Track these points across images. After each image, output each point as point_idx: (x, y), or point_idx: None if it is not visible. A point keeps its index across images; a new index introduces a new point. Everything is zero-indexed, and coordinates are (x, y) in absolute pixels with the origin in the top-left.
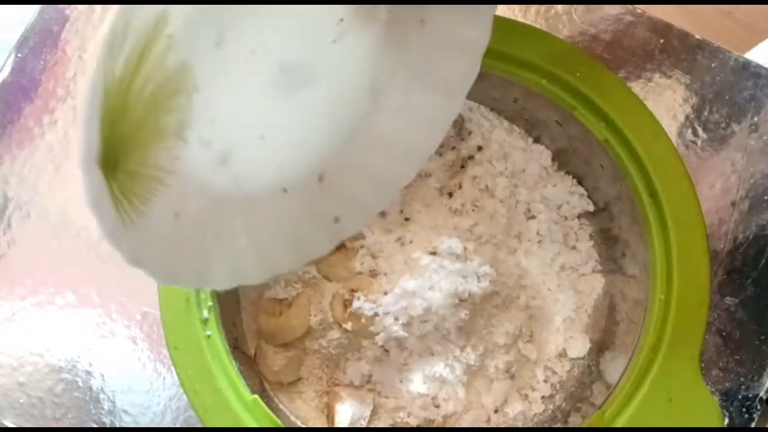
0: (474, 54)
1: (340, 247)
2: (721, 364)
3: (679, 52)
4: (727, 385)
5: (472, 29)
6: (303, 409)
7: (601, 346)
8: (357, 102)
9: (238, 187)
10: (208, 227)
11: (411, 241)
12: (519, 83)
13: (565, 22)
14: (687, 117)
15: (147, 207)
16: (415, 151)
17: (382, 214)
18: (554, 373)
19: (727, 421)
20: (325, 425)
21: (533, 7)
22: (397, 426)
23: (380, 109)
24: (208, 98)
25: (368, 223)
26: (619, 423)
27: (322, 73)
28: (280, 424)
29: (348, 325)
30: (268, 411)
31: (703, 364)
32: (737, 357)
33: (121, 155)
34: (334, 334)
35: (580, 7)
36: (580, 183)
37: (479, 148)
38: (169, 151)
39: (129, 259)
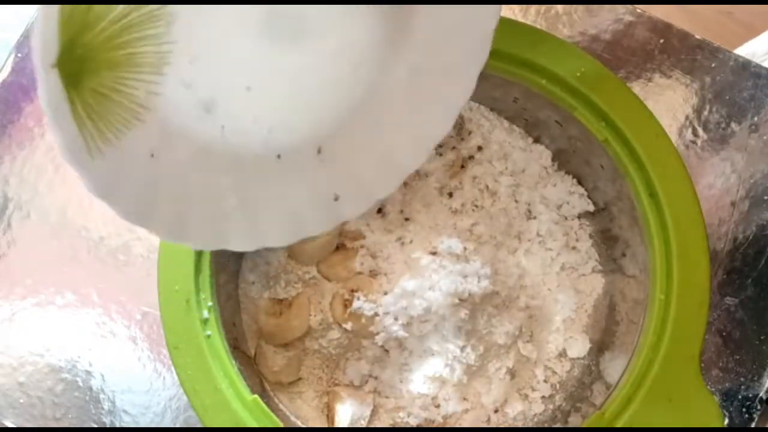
0: (484, 35)
1: (340, 246)
2: (721, 364)
3: (679, 52)
4: (727, 385)
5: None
6: (303, 409)
7: (601, 346)
8: (358, 73)
9: (225, 141)
10: (191, 178)
11: (411, 241)
12: (519, 83)
13: (565, 22)
14: (687, 117)
15: (119, 139)
16: (423, 136)
17: (382, 214)
18: (554, 373)
19: (727, 421)
20: (325, 425)
21: (533, 7)
22: (397, 426)
23: (387, 86)
24: (189, 35)
25: (370, 208)
26: (619, 423)
27: (314, 30)
28: (280, 424)
29: (348, 325)
30: (268, 411)
31: (703, 364)
32: (737, 357)
33: (86, 70)
34: (334, 334)
35: (580, 7)
36: (580, 183)
37: (479, 148)
38: (145, 83)
39: (92, 188)
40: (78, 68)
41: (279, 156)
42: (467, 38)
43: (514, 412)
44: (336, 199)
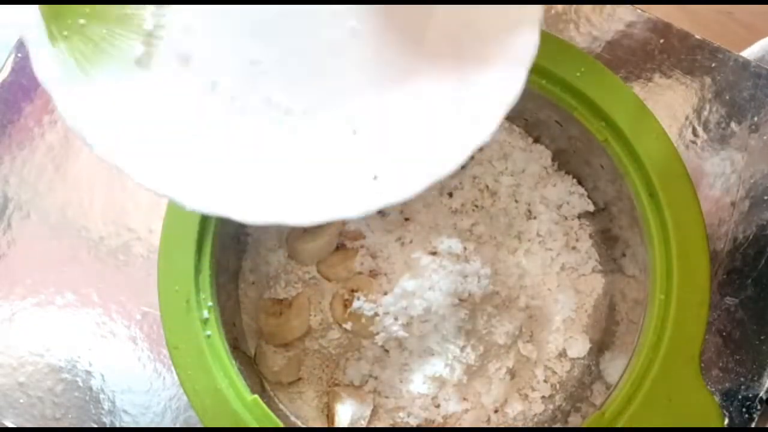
0: (532, 24)
1: (340, 246)
2: (721, 364)
3: (679, 52)
4: (727, 385)
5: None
6: (303, 409)
7: (601, 346)
8: (392, 56)
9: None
10: (194, 132)
11: (411, 241)
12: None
13: (565, 22)
14: (687, 117)
15: (95, 69)
16: (466, 131)
17: (382, 214)
18: (554, 373)
19: (727, 421)
20: (325, 425)
21: None
22: (397, 426)
23: (426, 75)
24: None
25: (418, 193)
26: (619, 423)
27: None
28: (280, 424)
29: (348, 325)
30: (268, 411)
31: (703, 364)
32: (737, 357)
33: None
34: (334, 334)
35: (580, 8)
36: (580, 183)
37: (479, 148)
38: (138, 44)
39: (65, 112)
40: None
41: (306, 135)
42: (519, 33)
43: (514, 412)
44: (375, 178)
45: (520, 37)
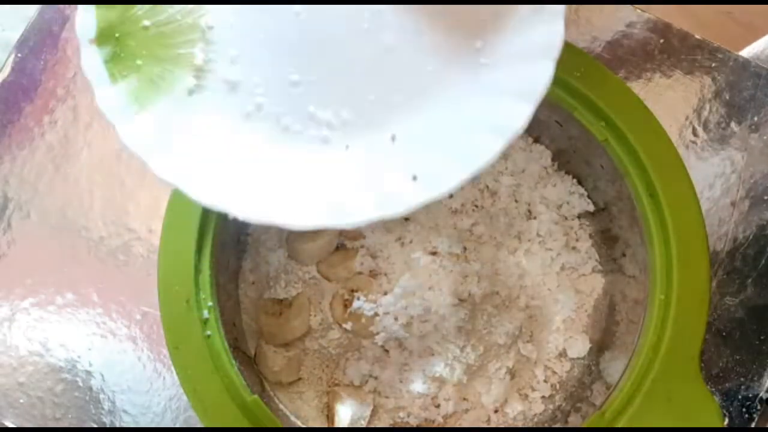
0: (556, 17)
1: (340, 246)
2: (721, 364)
3: (679, 52)
4: (727, 385)
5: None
6: (303, 409)
7: (601, 346)
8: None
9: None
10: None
11: (411, 241)
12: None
13: (565, 22)
14: (687, 117)
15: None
16: (497, 128)
17: None
18: (554, 373)
19: (727, 421)
20: (325, 425)
21: None
22: (397, 426)
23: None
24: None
25: (457, 188)
26: (619, 423)
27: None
28: (280, 424)
29: (348, 325)
30: (268, 411)
31: (703, 364)
32: (737, 357)
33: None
34: (334, 334)
35: (580, 7)
36: (580, 183)
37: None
38: (189, 78)
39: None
40: (117, 49)
41: (347, 146)
42: (545, 26)
43: (514, 412)
44: (414, 179)
45: (545, 29)
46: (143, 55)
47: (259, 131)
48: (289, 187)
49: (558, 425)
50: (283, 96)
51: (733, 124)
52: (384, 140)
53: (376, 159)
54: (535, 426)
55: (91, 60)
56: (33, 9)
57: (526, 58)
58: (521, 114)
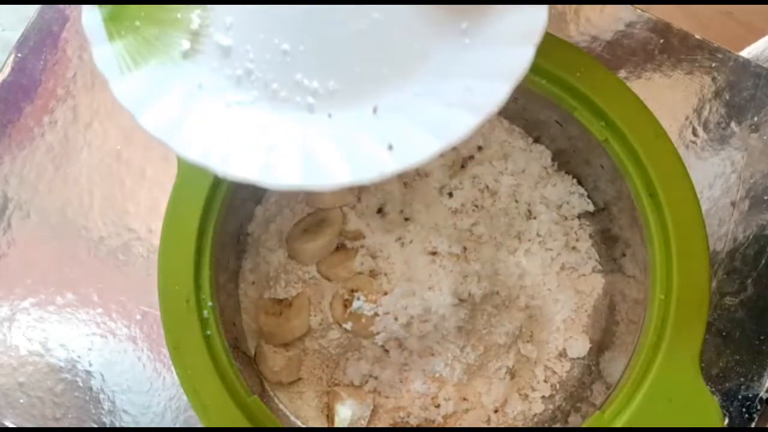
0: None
1: (340, 246)
2: (721, 364)
3: (679, 52)
4: (727, 385)
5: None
6: (303, 409)
7: (601, 346)
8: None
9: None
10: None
11: (411, 241)
12: (519, 83)
13: (565, 22)
14: (687, 117)
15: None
16: (474, 106)
17: (382, 214)
18: (554, 373)
19: (727, 421)
20: (325, 425)
21: None
22: (397, 426)
23: (438, 53)
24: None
25: (430, 159)
26: (619, 423)
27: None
28: (280, 424)
29: (348, 325)
30: (268, 411)
31: (703, 364)
32: (737, 357)
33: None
34: (334, 334)
35: (580, 7)
36: (580, 183)
37: (479, 148)
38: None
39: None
40: (118, 10)
41: (330, 115)
42: (526, 11)
43: (514, 412)
44: (390, 148)
45: (529, 15)
46: (142, 16)
47: (248, 95)
48: (269, 149)
49: (558, 425)
50: (273, 64)
51: (733, 124)
52: (366, 111)
53: (356, 128)
54: (535, 426)
55: (92, 19)
56: (33, 9)
57: (508, 42)
58: (498, 93)
